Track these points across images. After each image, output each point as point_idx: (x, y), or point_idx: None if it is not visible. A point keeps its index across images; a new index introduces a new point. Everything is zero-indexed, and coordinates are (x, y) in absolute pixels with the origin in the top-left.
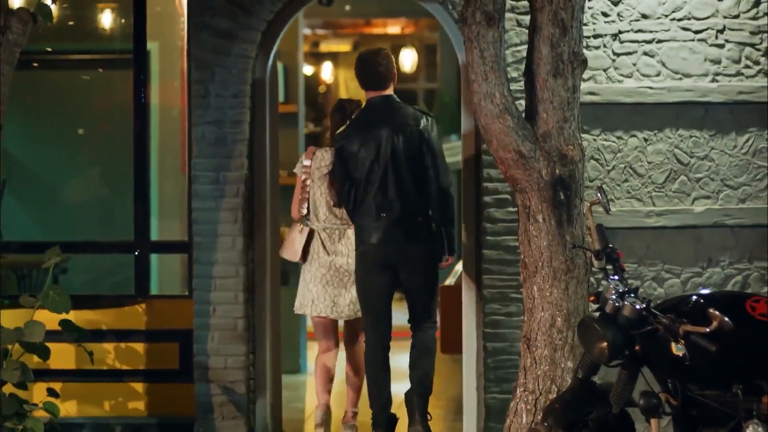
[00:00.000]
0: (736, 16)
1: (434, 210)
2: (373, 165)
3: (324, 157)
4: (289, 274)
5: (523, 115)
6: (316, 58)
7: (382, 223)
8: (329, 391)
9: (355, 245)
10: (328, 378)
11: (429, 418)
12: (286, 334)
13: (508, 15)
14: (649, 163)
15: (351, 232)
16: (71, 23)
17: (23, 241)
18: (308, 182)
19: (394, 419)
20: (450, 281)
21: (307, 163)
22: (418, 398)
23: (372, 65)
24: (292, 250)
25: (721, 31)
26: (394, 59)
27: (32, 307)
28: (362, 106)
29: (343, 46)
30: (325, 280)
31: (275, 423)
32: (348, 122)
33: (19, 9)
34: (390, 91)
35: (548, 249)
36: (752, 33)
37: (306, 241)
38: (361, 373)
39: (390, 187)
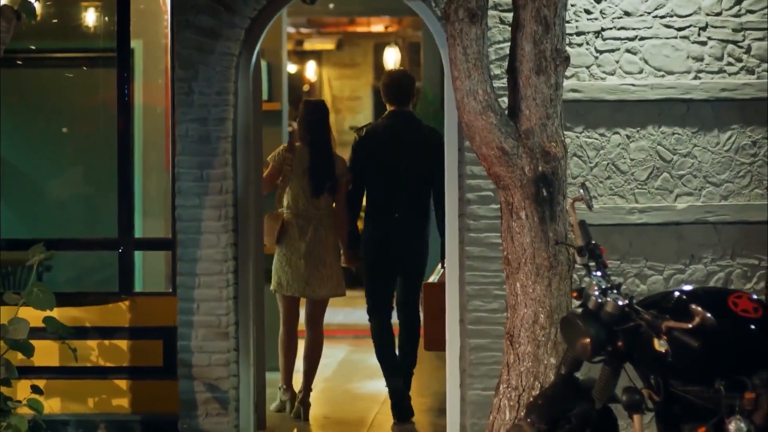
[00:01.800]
0: (719, 14)
1: (439, 219)
2: (389, 168)
3: (303, 153)
4: None
5: (506, 112)
6: (300, 56)
7: (391, 220)
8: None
9: (364, 235)
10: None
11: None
12: (269, 331)
13: (490, 12)
14: (631, 160)
15: (326, 221)
16: (55, 21)
17: (7, 238)
18: (289, 173)
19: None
20: (433, 278)
21: (288, 155)
22: (404, 383)
23: (396, 84)
24: (268, 237)
25: (704, 29)
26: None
27: (16, 304)
28: (385, 115)
29: (327, 45)
30: (300, 264)
31: (259, 420)
32: (372, 125)
33: (3, 6)
34: (410, 108)
35: (531, 246)
36: (735, 30)
37: (280, 228)
38: (319, 353)
39: (401, 190)
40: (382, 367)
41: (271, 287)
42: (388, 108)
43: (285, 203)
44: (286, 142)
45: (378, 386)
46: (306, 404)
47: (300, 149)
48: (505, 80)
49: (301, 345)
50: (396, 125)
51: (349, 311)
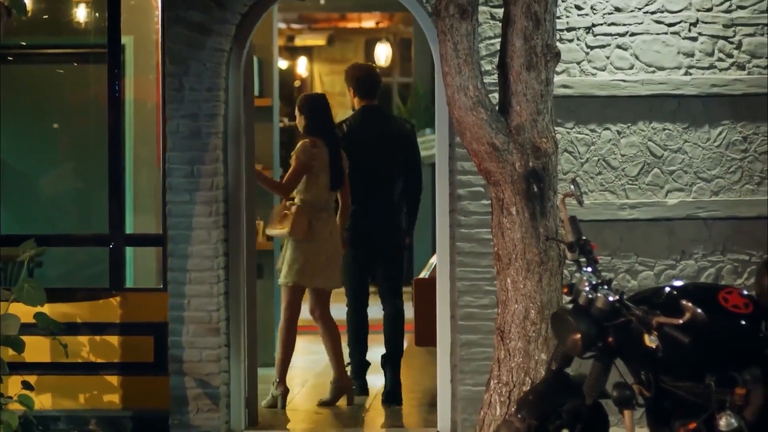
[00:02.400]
0: (709, 9)
1: (411, 201)
2: (367, 162)
3: (323, 147)
4: (264, 267)
5: (497, 107)
6: (291, 52)
7: (369, 213)
8: None
9: (347, 225)
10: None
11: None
12: (261, 326)
13: (481, 8)
14: (622, 155)
15: (334, 213)
16: (45, 17)
17: None
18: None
19: (367, 364)
20: (424, 274)
21: (315, 150)
22: (392, 361)
23: (372, 78)
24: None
25: (694, 24)
26: None
27: (7, 300)
28: (358, 110)
29: (318, 40)
30: (325, 256)
31: (250, 416)
32: (348, 120)
33: None
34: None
35: (522, 241)
36: (725, 26)
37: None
38: (339, 338)
39: (379, 184)
40: (353, 350)
41: (283, 280)
42: (359, 103)
43: (307, 197)
44: (293, 139)
45: (371, 380)
46: (350, 389)
47: (320, 144)
48: (495, 76)
49: (301, 341)
50: (370, 120)
51: (340, 307)
